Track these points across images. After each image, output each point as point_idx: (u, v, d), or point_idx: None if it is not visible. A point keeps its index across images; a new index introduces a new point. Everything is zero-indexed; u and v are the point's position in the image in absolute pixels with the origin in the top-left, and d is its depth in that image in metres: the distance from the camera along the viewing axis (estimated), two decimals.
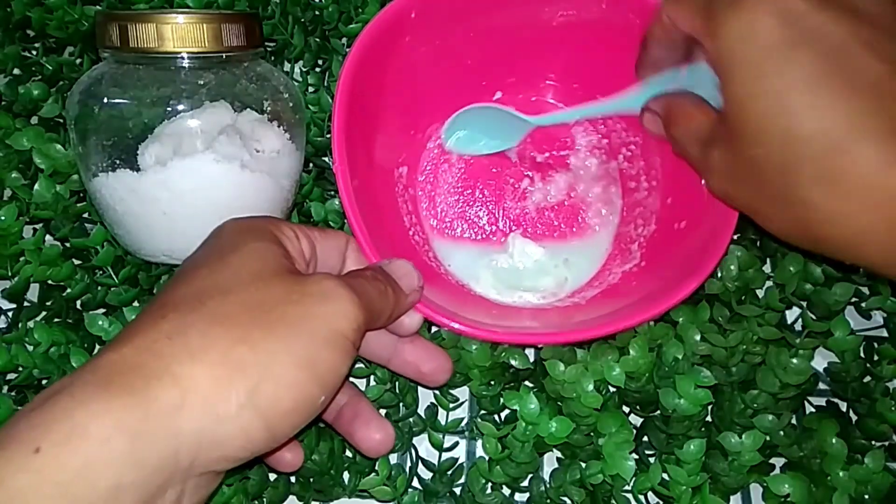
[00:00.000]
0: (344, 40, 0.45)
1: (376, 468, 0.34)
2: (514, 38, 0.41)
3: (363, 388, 0.37)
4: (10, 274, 0.37)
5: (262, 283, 0.27)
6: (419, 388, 0.37)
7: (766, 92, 0.25)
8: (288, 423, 0.26)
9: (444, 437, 0.37)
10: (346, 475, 0.36)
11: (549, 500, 0.35)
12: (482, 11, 0.39)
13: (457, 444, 0.37)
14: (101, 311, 0.38)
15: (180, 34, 0.33)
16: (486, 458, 0.35)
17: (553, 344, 0.35)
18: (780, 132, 0.25)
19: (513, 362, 0.35)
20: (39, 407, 0.23)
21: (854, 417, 0.37)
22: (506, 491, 0.35)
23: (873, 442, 0.36)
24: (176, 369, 0.24)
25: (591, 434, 0.35)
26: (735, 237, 0.37)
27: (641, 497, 0.35)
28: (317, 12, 0.45)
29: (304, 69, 0.45)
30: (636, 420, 0.37)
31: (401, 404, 0.37)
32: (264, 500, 0.35)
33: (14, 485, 0.22)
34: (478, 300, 0.40)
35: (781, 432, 0.35)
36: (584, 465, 0.34)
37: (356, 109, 0.36)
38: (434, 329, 0.36)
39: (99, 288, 0.38)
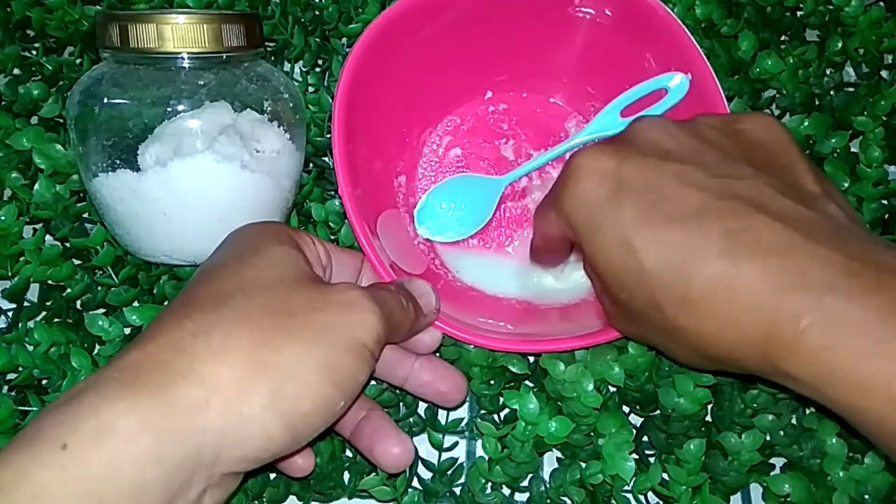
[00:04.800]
0: (344, 40, 0.45)
1: (376, 469, 0.34)
2: (504, 36, 0.41)
3: None
4: (10, 274, 0.37)
5: (284, 287, 0.28)
6: None
7: (607, 241, 0.28)
8: (308, 425, 0.26)
9: (443, 437, 0.37)
10: (346, 475, 0.36)
11: (549, 500, 0.35)
12: (472, 12, 0.39)
13: (457, 444, 0.37)
14: (101, 311, 0.38)
15: (180, 34, 0.33)
16: (486, 458, 0.35)
17: (557, 351, 0.35)
18: (633, 273, 0.27)
19: (512, 368, 0.35)
20: (66, 404, 0.24)
21: None
22: (506, 491, 0.35)
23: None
24: (199, 368, 0.25)
25: (591, 434, 0.35)
26: None
27: (641, 497, 0.35)
28: (317, 12, 0.45)
29: (304, 69, 0.45)
30: (636, 420, 0.37)
31: (401, 404, 0.37)
32: (264, 500, 0.35)
33: (40, 480, 0.22)
34: (485, 303, 0.40)
35: (781, 432, 0.34)
36: (584, 465, 0.34)
37: (354, 119, 0.36)
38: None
39: (99, 288, 0.38)
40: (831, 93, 0.45)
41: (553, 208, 0.30)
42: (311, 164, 0.42)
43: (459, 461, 0.37)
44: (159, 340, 0.25)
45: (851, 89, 0.45)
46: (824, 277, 0.24)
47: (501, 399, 0.36)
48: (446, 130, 0.44)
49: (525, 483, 0.35)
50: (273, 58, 0.45)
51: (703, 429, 0.36)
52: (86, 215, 0.40)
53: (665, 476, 0.34)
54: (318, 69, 0.45)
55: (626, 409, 0.37)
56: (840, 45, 0.45)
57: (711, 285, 0.25)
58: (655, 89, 0.39)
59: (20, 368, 0.35)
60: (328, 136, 0.41)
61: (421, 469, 0.36)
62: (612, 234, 0.27)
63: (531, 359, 0.37)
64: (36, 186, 0.38)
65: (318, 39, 0.45)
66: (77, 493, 0.22)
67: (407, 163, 0.43)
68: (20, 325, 0.37)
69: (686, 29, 0.37)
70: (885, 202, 0.41)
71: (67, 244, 0.39)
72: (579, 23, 0.40)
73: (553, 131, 0.44)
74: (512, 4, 0.39)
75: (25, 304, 0.39)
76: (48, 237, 0.39)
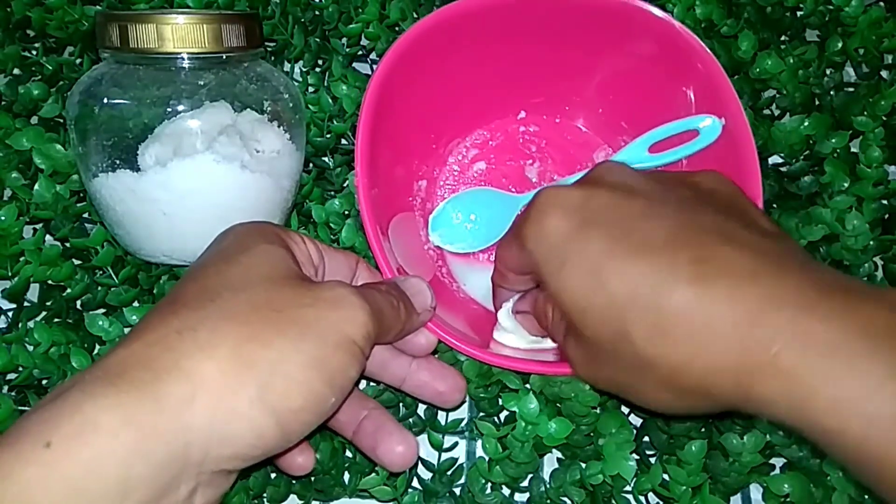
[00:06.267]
0: (344, 40, 0.45)
1: (376, 468, 0.34)
2: (545, 59, 0.41)
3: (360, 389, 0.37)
4: (10, 274, 0.37)
5: (272, 284, 0.27)
6: None
7: (573, 275, 0.27)
8: (299, 421, 0.26)
9: (443, 438, 0.37)
10: (346, 475, 0.36)
11: (549, 501, 0.35)
12: (515, 31, 0.39)
13: (456, 444, 0.37)
14: (101, 311, 0.38)
15: (180, 34, 0.33)
16: (486, 458, 0.35)
17: (549, 374, 0.34)
18: (600, 306, 0.27)
19: (507, 383, 0.35)
20: (50, 402, 0.23)
21: None
22: (506, 491, 0.35)
23: None
24: (185, 364, 0.24)
25: (591, 434, 0.35)
26: None
27: (642, 497, 0.35)
28: (317, 12, 0.45)
29: (304, 69, 0.45)
30: (636, 420, 0.37)
31: (401, 405, 0.37)
32: (265, 499, 0.35)
33: (24, 478, 0.22)
34: (485, 319, 0.40)
35: (781, 432, 0.35)
36: (584, 465, 0.34)
37: (382, 118, 0.36)
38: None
39: (99, 288, 0.38)
40: (831, 93, 0.45)
41: (516, 244, 0.30)
42: (311, 164, 0.42)
43: (459, 461, 0.37)
44: (145, 338, 0.25)
45: (851, 89, 0.45)
46: (795, 300, 0.24)
47: (500, 401, 0.36)
48: (475, 143, 0.44)
49: (525, 483, 0.36)
50: (273, 58, 0.45)
51: (703, 429, 0.36)
52: (86, 215, 0.40)
53: (665, 476, 0.34)
54: (318, 69, 0.45)
55: (626, 409, 0.37)
56: (840, 45, 0.45)
57: (682, 311, 0.25)
58: (687, 129, 0.39)
59: (20, 368, 0.35)
60: (328, 135, 0.41)
61: (421, 469, 0.36)
62: (580, 268, 0.27)
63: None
64: (36, 186, 0.38)
65: (318, 39, 0.45)
66: (61, 490, 0.22)
67: (430, 168, 0.43)
68: (20, 325, 0.37)
69: (726, 73, 0.37)
70: (885, 202, 0.41)
71: (67, 244, 0.39)
72: (622, 57, 0.40)
73: (580, 160, 0.44)
74: (556, 30, 0.39)
75: (25, 304, 0.39)
76: (48, 237, 0.39)
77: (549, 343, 0.35)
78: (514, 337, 0.35)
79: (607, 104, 0.43)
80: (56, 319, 0.38)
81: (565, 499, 0.35)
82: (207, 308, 0.26)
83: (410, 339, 0.33)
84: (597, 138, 0.44)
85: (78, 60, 0.44)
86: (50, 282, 0.38)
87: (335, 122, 0.41)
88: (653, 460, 0.36)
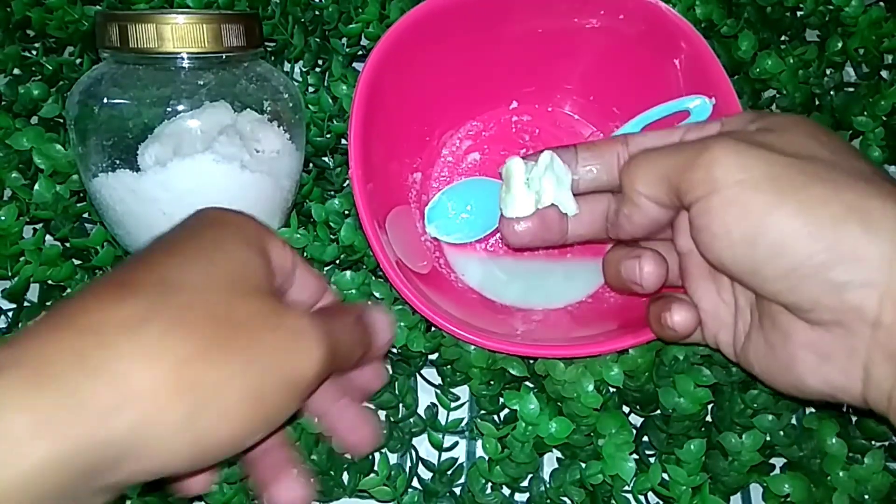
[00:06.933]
0: (344, 40, 0.45)
1: (376, 468, 0.34)
2: (534, 47, 0.41)
3: None
4: (10, 274, 0.37)
5: (237, 296, 0.25)
6: (419, 389, 0.37)
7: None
8: (218, 452, 0.24)
9: (443, 437, 0.37)
10: (346, 475, 0.36)
11: (549, 501, 0.35)
12: (503, 20, 0.39)
13: (457, 444, 0.37)
14: None
15: (180, 34, 0.33)
16: (486, 458, 0.35)
17: (553, 358, 0.35)
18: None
19: (511, 371, 0.35)
20: None
21: (854, 417, 0.37)
22: (506, 491, 0.35)
23: (873, 442, 0.36)
24: (118, 367, 0.22)
25: (591, 434, 0.35)
26: None
27: (641, 497, 0.35)
28: (317, 12, 0.45)
29: (304, 69, 0.45)
30: (636, 420, 0.37)
31: (400, 405, 0.37)
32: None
33: None
34: (485, 307, 0.40)
35: (781, 432, 0.34)
36: (584, 465, 0.34)
37: (374, 112, 0.36)
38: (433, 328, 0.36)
39: None
40: (831, 93, 0.45)
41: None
42: (311, 164, 0.42)
43: (459, 461, 0.37)
44: (79, 323, 0.22)
45: (851, 89, 0.45)
46: None
47: (501, 399, 0.36)
48: (468, 134, 0.44)
49: (525, 483, 0.35)
50: (273, 58, 0.45)
51: (703, 429, 0.36)
52: (86, 215, 0.40)
53: (665, 476, 0.34)
54: (318, 69, 0.45)
55: (626, 409, 0.37)
56: (840, 45, 0.45)
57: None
58: (677, 111, 0.39)
59: None
60: (328, 135, 0.41)
61: (421, 469, 0.36)
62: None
63: (531, 361, 0.37)
64: (36, 186, 0.38)
65: (318, 39, 0.45)
66: None
67: (424, 161, 0.43)
68: (20, 324, 0.37)
69: (714, 54, 0.37)
70: None
71: (67, 244, 0.39)
72: (610, 42, 0.40)
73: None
74: (544, 17, 0.39)
75: (25, 304, 0.39)
76: (48, 237, 0.39)
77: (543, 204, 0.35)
78: (521, 180, 0.35)
79: (598, 91, 0.43)
80: None
81: (565, 499, 0.35)
82: (160, 307, 0.23)
83: (363, 380, 0.33)
84: (589, 126, 0.44)
85: (78, 60, 0.44)
86: (50, 282, 0.38)
87: (335, 122, 0.41)
88: (652, 460, 0.36)
